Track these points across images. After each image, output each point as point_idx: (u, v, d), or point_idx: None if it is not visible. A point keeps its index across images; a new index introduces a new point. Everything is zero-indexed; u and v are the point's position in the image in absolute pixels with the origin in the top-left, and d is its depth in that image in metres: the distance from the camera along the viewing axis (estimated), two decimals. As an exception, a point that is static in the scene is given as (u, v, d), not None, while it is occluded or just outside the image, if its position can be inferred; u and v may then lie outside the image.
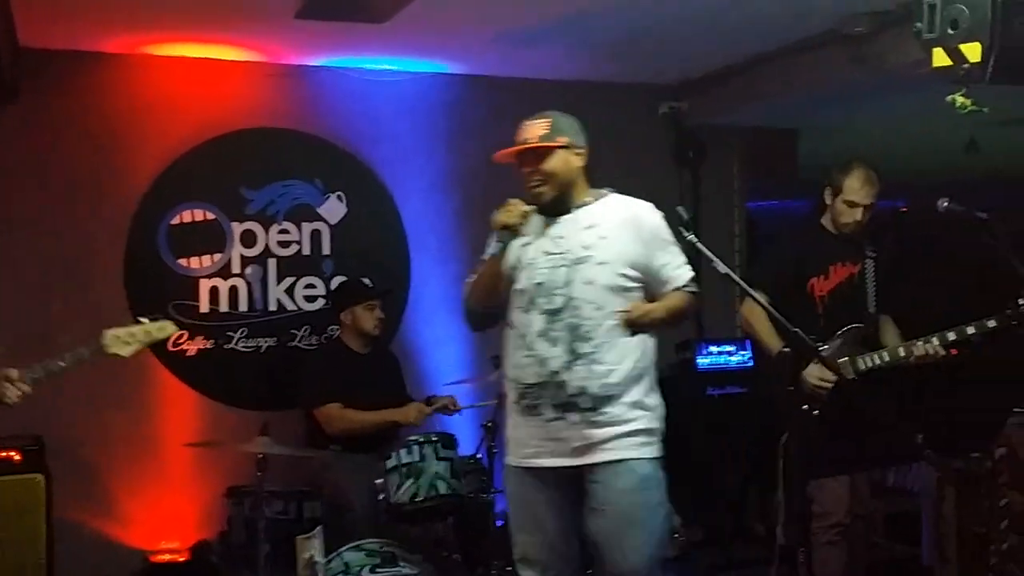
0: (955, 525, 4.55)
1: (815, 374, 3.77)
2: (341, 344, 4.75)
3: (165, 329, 3.23)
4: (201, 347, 5.03)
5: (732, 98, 5.57)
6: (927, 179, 8.10)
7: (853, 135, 6.69)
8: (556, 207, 3.13)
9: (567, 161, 3.13)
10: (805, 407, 3.76)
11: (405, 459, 4.15)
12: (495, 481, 4.60)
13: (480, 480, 4.51)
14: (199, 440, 4.75)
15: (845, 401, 3.70)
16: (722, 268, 3.03)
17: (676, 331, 5.79)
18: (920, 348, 3.78)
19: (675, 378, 5.79)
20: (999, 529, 4.48)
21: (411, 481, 4.12)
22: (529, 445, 3.08)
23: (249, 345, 5.11)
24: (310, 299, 5.22)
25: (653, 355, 3.15)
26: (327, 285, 5.23)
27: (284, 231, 5.20)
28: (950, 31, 3.29)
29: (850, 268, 4.01)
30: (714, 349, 5.73)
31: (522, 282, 3.10)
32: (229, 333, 5.08)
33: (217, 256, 5.08)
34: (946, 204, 3.79)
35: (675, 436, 5.59)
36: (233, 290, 5.10)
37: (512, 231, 3.07)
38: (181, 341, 4.98)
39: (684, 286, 3.14)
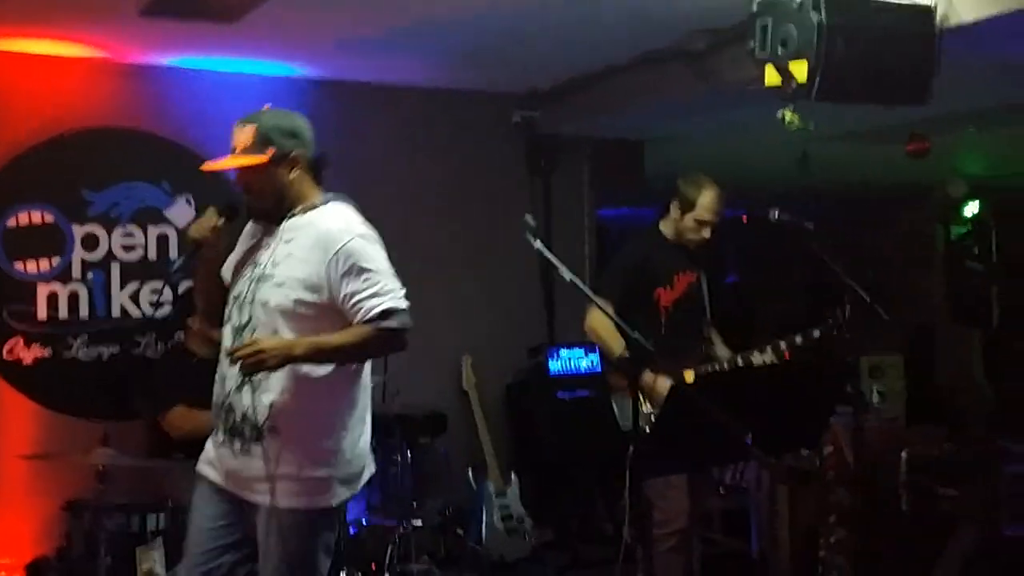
0: (787, 519, 4.80)
1: (649, 383, 3.88)
2: (185, 350, 4.63)
3: None
4: (38, 355, 4.83)
5: (582, 108, 5.72)
6: (767, 190, 8.50)
7: (696, 146, 6.94)
8: (273, 216, 2.86)
9: (274, 174, 2.82)
10: (645, 410, 3.92)
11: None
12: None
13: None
14: (36, 452, 4.56)
15: (682, 404, 3.86)
16: (567, 275, 3.11)
17: (527, 335, 5.96)
18: (757, 358, 3.99)
19: (527, 382, 5.92)
20: (828, 523, 4.75)
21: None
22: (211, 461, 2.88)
23: (90, 353, 4.93)
24: (156, 305, 5.08)
25: (353, 394, 2.83)
26: (174, 291, 5.09)
27: (128, 234, 5.05)
28: (780, 50, 3.48)
29: (690, 276, 4.18)
30: (565, 353, 5.86)
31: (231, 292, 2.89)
32: (69, 340, 4.89)
33: (56, 259, 4.89)
34: (777, 214, 4.01)
35: (527, 438, 5.79)
36: (73, 296, 4.92)
37: (199, 244, 2.87)
38: (16, 348, 4.77)
39: (370, 320, 2.71)
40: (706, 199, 4.06)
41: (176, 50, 4.97)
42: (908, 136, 6.44)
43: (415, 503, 5.06)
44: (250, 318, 2.76)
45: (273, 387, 2.70)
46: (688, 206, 4.08)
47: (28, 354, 4.81)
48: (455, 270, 5.86)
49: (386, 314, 2.73)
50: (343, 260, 2.73)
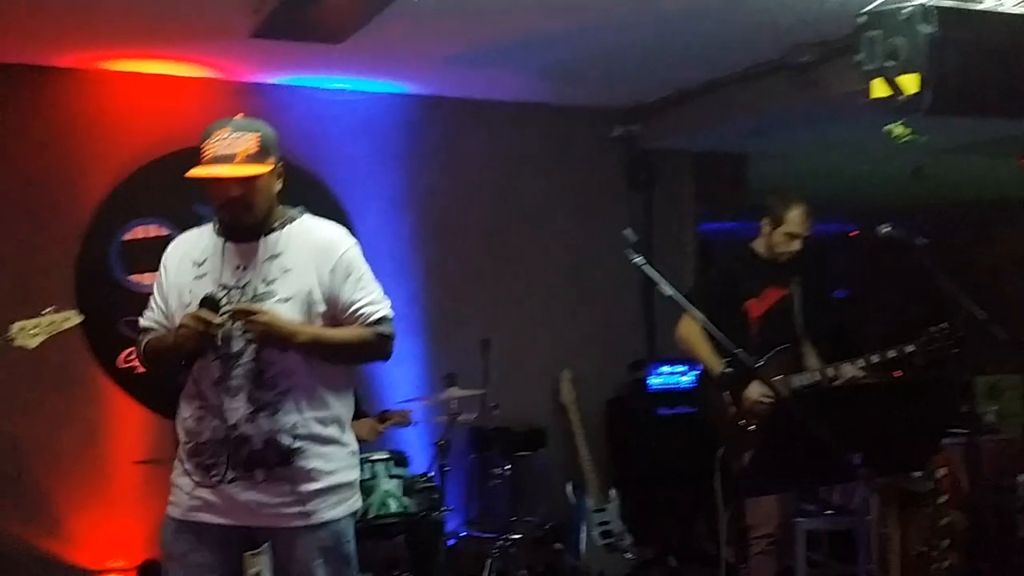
0: (898, 543, 4.64)
1: (756, 391, 3.92)
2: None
3: (71, 319, 3.20)
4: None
5: (683, 122, 5.68)
6: (876, 204, 8.29)
7: (801, 159, 6.82)
8: (245, 233, 2.71)
9: (270, 185, 2.72)
10: (742, 422, 3.93)
11: (356, 477, 4.14)
12: (447, 499, 4.63)
13: (431, 498, 4.53)
14: (148, 458, 4.72)
15: (782, 420, 3.83)
16: (668, 290, 3.09)
17: (627, 350, 5.93)
18: (846, 369, 3.96)
19: (626, 397, 5.88)
20: (940, 548, 4.59)
21: (362, 498, 4.12)
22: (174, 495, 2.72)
23: (201, 362, 5.08)
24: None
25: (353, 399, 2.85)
26: (279, 303, 5.22)
27: (238, 248, 5.19)
28: (889, 63, 3.40)
29: (781, 291, 4.20)
30: (666, 369, 5.81)
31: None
32: (181, 350, 5.05)
33: (170, 273, 5.06)
34: (887, 229, 3.92)
35: (626, 454, 5.74)
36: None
37: (205, 341, 2.61)
38: (132, 358, 4.94)
39: (372, 323, 2.72)
40: (794, 213, 4.14)
41: (285, 69, 5.11)
42: (1023, 148, 6.20)
43: (514, 517, 5.08)
44: (248, 341, 2.61)
45: (292, 407, 2.63)
46: (777, 221, 4.17)
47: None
48: (555, 284, 5.87)
49: (382, 320, 2.74)
50: (344, 268, 2.71)
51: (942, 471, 4.50)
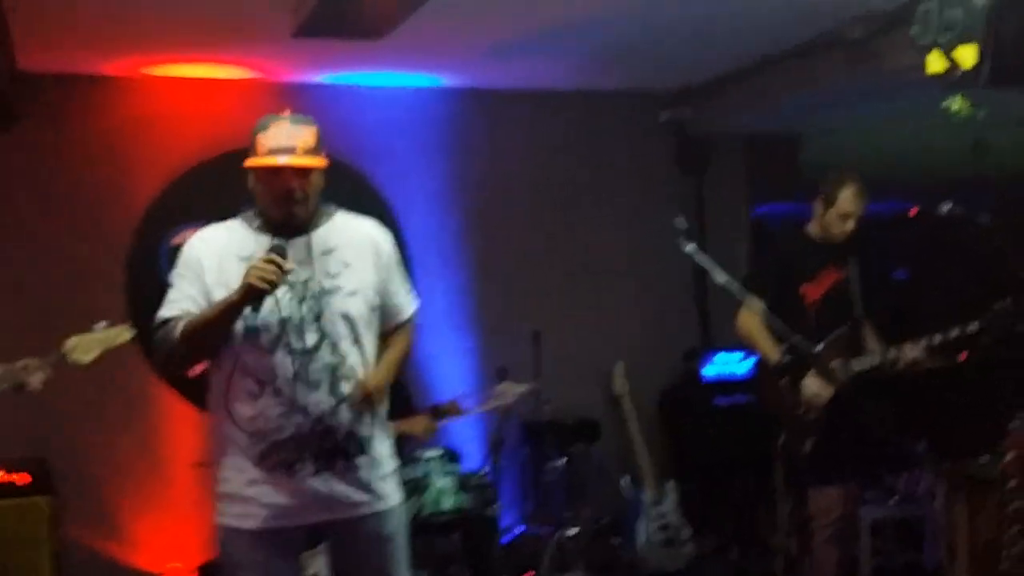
0: (966, 530, 4.50)
1: (813, 386, 3.81)
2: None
3: (123, 334, 3.22)
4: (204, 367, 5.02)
5: (733, 104, 5.55)
6: (936, 179, 8.06)
7: (856, 137, 6.64)
8: (291, 228, 2.70)
9: (321, 180, 2.76)
10: (802, 411, 3.84)
11: (410, 474, 4.14)
12: (501, 495, 4.59)
13: (485, 494, 4.49)
14: (205, 460, 4.74)
15: (843, 407, 3.73)
16: (720, 278, 3.03)
17: (681, 339, 5.83)
18: (908, 351, 3.85)
19: (681, 387, 5.79)
20: (1010, 534, 4.44)
21: (416, 496, 4.11)
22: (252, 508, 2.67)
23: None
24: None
25: None
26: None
27: (286, 249, 5.19)
28: (945, 35, 3.27)
29: (837, 274, 4.10)
30: (721, 358, 5.70)
31: (255, 319, 2.62)
32: (233, 351, 5.07)
33: (220, 275, 5.08)
34: (948, 207, 3.81)
35: (682, 445, 5.65)
36: (236, 308, 5.09)
37: (273, 289, 2.57)
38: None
39: (408, 319, 2.88)
40: (847, 192, 4.03)
41: (326, 68, 5.09)
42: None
43: (569, 512, 5.02)
44: (322, 335, 2.64)
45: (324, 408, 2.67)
46: (830, 201, 4.07)
47: (196, 366, 5.00)
48: (605, 274, 5.79)
49: (414, 315, 2.92)
50: (389, 262, 2.82)
51: (1011, 455, 4.35)
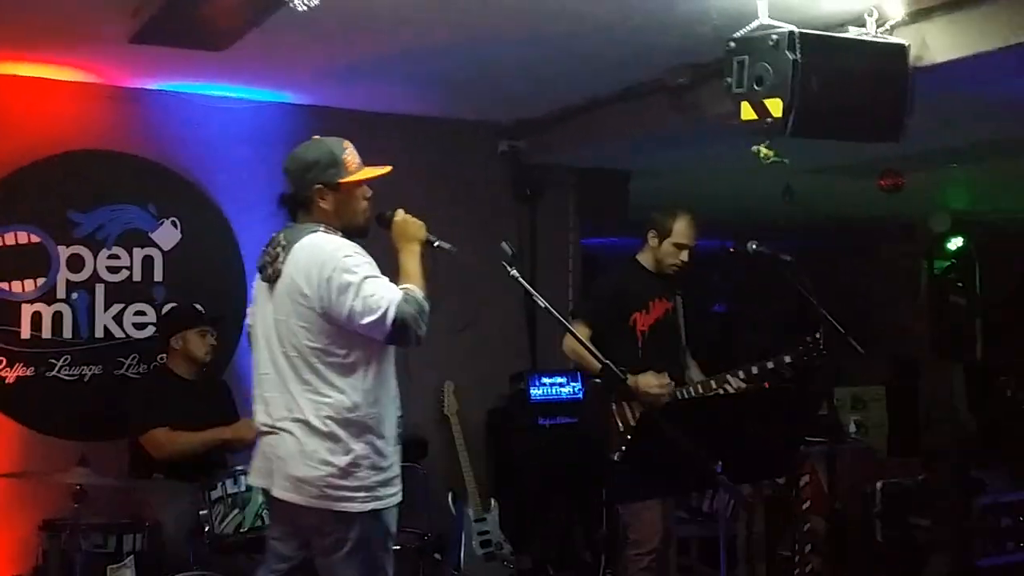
0: (764, 549, 4.83)
1: (652, 382, 4.01)
2: (168, 371, 4.67)
3: None
4: (21, 374, 4.85)
5: (566, 139, 5.78)
6: (754, 222, 8.57)
7: (682, 177, 7.02)
8: (364, 233, 3.24)
9: None
10: (621, 430, 4.04)
11: (231, 489, 4.10)
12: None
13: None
14: (14, 471, 4.57)
15: (651, 429, 3.96)
16: (542, 302, 3.17)
17: (510, 362, 5.99)
18: (732, 381, 4.11)
19: (508, 408, 5.95)
20: (803, 552, 4.79)
21: (237, 511, 4.08)
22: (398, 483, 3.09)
23: (72, 373, 4.95)
24: (139, 326, 5.10)
25: None
26: (158, 312, 5.12)
27: (114, 256, 5.08)
28: (756, 87, 3.56)
29: (666, 304, 4.33)
30: (547, 380, 5.89)
31: None
32: (52, 360, 4.91)
33: (41, 280, 4.92)
34: (755, 246, 4.11)
35: (507, 464, 5.80)
36: (57, 316, 4.93)
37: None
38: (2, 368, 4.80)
39: None
40: (681, 224, 4.32)
41: (165, 75, 5.03)
42: (880, 172, 6.52)
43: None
44: None
45: None
46: (665, 233, 4.33)
47: (11, 373, 4.83)
48: (439, 297, 5.86)
49: None
50: None
51: (805, 478, 4.70)
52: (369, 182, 3.21)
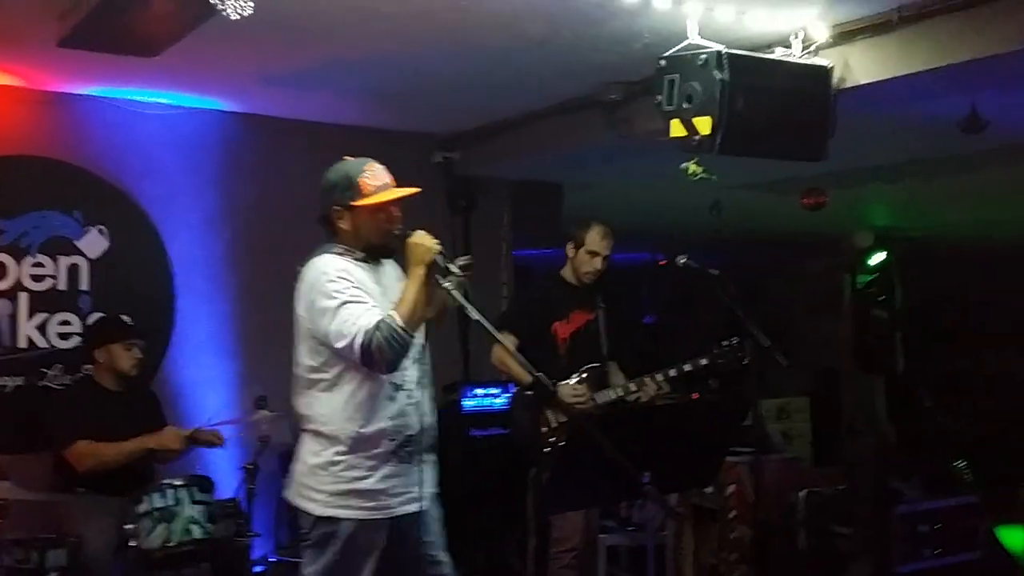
0: (691, 557, 4.90)
1: (568, 392, 4.21)
2: (92, 382, 4.58)
3: None
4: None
5: (500, 151, 5.83)
6: (683, 236, 8.72)
7: (614, 190, 7.11)
8: (388, 253, 3.25)
9: None
10: (552, 440, 4.12)
11: (158, 503, 4.06)
12: (253, 524, 4.56)
13: (238, 523, 4.44)
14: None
15: (579, 439, 4.03)
16: (474, 315, 3.18)
17: (443, 373, 5.98)
18: (650, 384, 4.24)
19: (441, 418, 5.93)
20: (730, 561, 4.88)
21: (163, 526, 4.03)
22: (400, 495, 3.12)
23: (-7, 384, 4.84)
24: (64, 336, 5.00)
25: None
26: (83, 322, 5.03)
27: (38, 264, 4.97)
28: (686, 105, 3.64)
29: (587, 315, 4.46)
30: (479, 392, 5.92)
31: None
32: (-30, 371, 4.80)
33: (-38, 288, 4.81)
34: (684, 260, 4.21)
35: (441, 475, 5.77)
36: (-23, 325, 4.83)
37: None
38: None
39: None
40: (593, 234, 4.48)
41: (95, 80, 4.95)
42: (803, 191, 6.69)
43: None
44: (423, 345, 3.19)
45: (430, 407, 3.20)
46: (580, 242, 4.49)
47: (-71, 383, 4.71)
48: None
49: None
50: None
51: (731, 488, 4.80)
52: (390, 204, 3.19)
